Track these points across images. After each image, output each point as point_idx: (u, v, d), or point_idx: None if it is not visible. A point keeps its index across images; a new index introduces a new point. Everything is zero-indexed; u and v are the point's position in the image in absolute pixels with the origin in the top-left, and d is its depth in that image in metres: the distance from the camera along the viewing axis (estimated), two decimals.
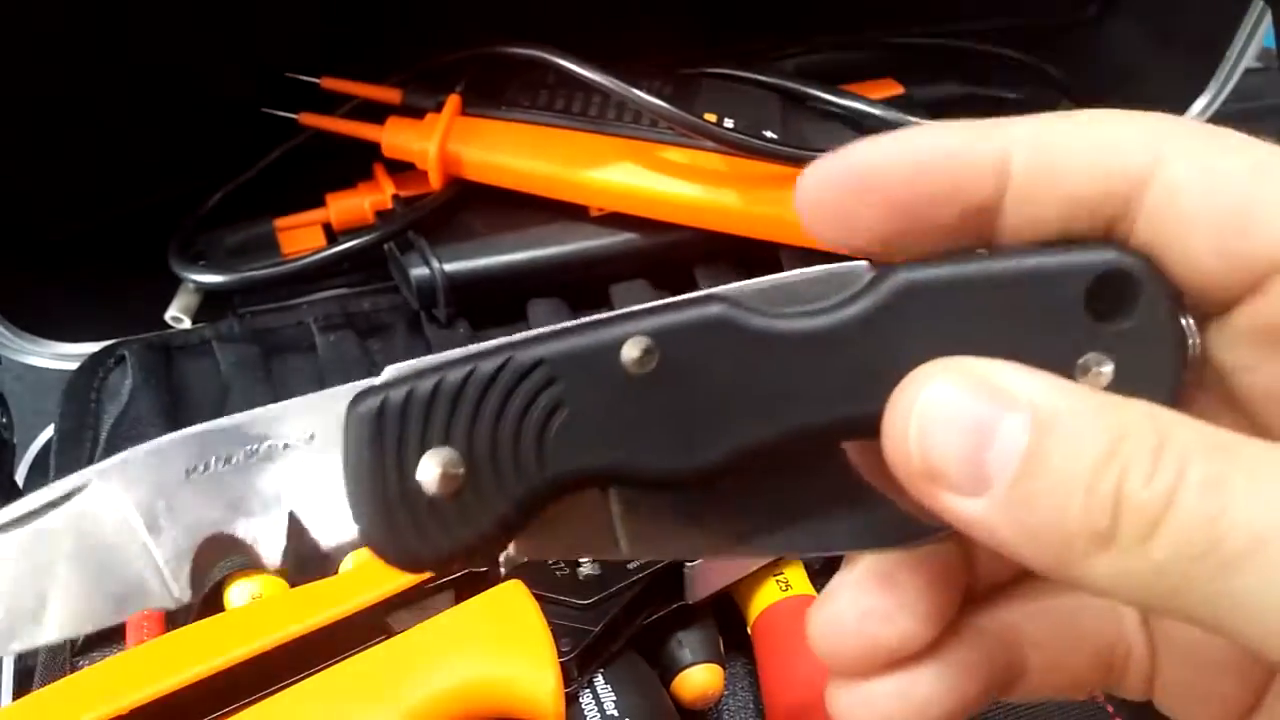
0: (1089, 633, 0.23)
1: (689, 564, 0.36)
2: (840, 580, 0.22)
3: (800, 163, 0.50)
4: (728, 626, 0.39)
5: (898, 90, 0.59)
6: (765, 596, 0.39)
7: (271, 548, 0.21)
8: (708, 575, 0.37)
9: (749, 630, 0.39)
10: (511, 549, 0.21)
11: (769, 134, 0.50)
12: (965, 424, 0.18)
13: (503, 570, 0.21)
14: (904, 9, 0.63)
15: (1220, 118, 0.66)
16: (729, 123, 0.50)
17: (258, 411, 0.21)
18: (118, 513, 0.21)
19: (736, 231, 0.51)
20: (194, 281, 0.52)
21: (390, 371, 0.20)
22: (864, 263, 0.20)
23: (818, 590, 0.40)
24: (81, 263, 0.52)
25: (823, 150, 0.50)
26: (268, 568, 0.22)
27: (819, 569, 0.42)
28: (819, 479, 0.22)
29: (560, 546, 0.22)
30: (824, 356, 0.20)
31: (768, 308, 0.20)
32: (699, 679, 0.37)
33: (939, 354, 0.19)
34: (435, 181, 0.52)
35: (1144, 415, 0.18)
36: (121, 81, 0.51)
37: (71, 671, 0.37)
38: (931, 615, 0.22)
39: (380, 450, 0.20)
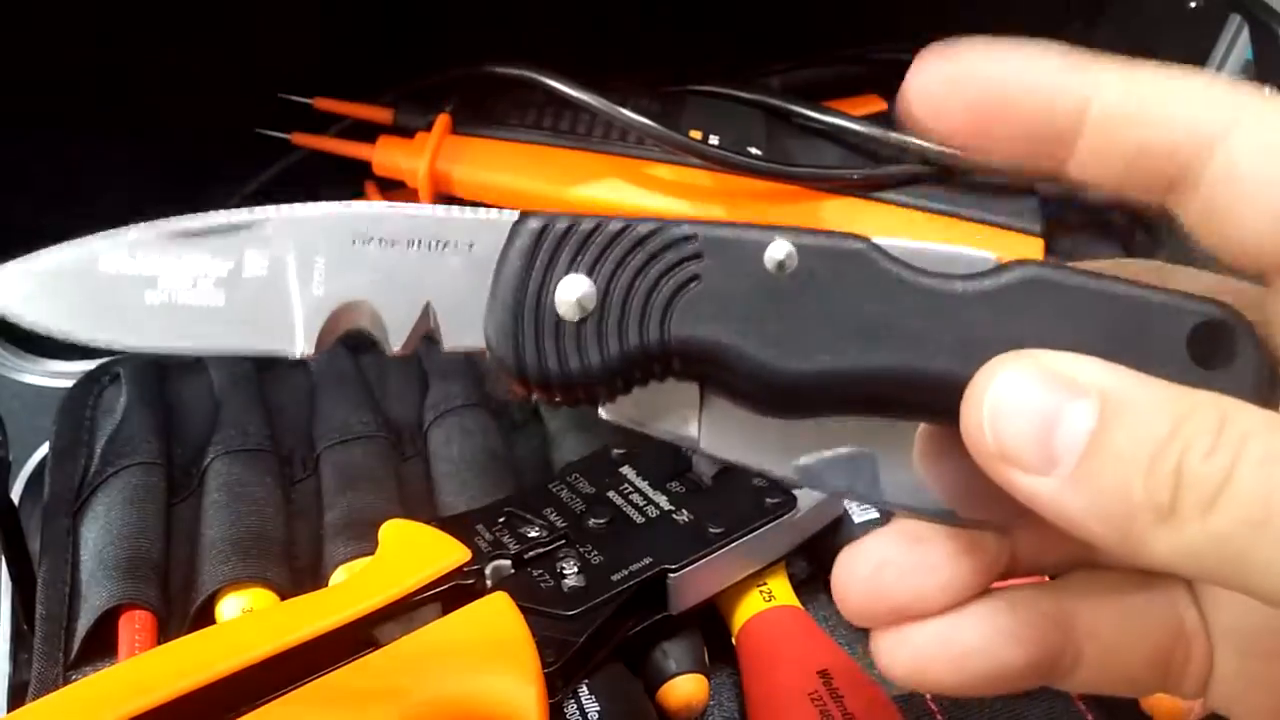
0: (1148, 629, 0.24)
1: (673, 574, 0.37)
2: (874, 532, 0.24)
3: (784, 179, 0.50)
4: (712, 637, 0.40)
5: (881, 106, 0.59)
6: (749, 607, 0.39)
7: (398, 331, 0.23)
8: (692, 586, 0.38)
9: (733, 640, 0.40)
10: (604, 409, 0.23)
11: (754, 150, 0.51)
12: (1035, 408, 0.19)
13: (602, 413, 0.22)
14: (886, 25, 0.64)
15: None
16: (714, 140, 0.51)
17: (434, 210, 0.23)
18: (279, 253, 0.23)
19: None
20: None
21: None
22: (993, 255, 0.22)
23: (802, 601, 0.40)
24: None
25: (807, 166, 0.50)
26: (390, 348, 0.23)
27: (804, 579, 0.42)
28: (887, 442, 0.23)
29: (648, 418, 0.23)
30: (938, 315, 0.21)
31: (902, 260, 0.22)
32: (683, 689, 0.37)
33: (1041, 346, 0.20)
34: (425, 199, 0.53)
35: (1207, 399, 0.19)
36: (116, 100, 0.51)
37: (65, 685, 0.38)
38: (949, 584, 0.23)
39: (531, 263, 0.22)
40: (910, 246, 0.22)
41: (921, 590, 0.23)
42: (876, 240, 0.22)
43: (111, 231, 0.24)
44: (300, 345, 0.23)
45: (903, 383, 0.22)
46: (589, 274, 0.22)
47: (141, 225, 0.24)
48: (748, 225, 0.22)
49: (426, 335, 0.23)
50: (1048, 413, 0.19)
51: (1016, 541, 0.24)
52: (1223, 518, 0.18)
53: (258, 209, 0.24)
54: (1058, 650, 0.23)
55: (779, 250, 0.22)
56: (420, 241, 0.23)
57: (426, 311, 0.23)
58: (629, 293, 0.22)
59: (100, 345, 0.23)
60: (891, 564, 0.23)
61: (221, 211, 0.23)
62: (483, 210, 0.23)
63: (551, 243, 0.22)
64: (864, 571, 0.23)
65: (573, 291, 0.22)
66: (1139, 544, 0.18)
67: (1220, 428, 0.18)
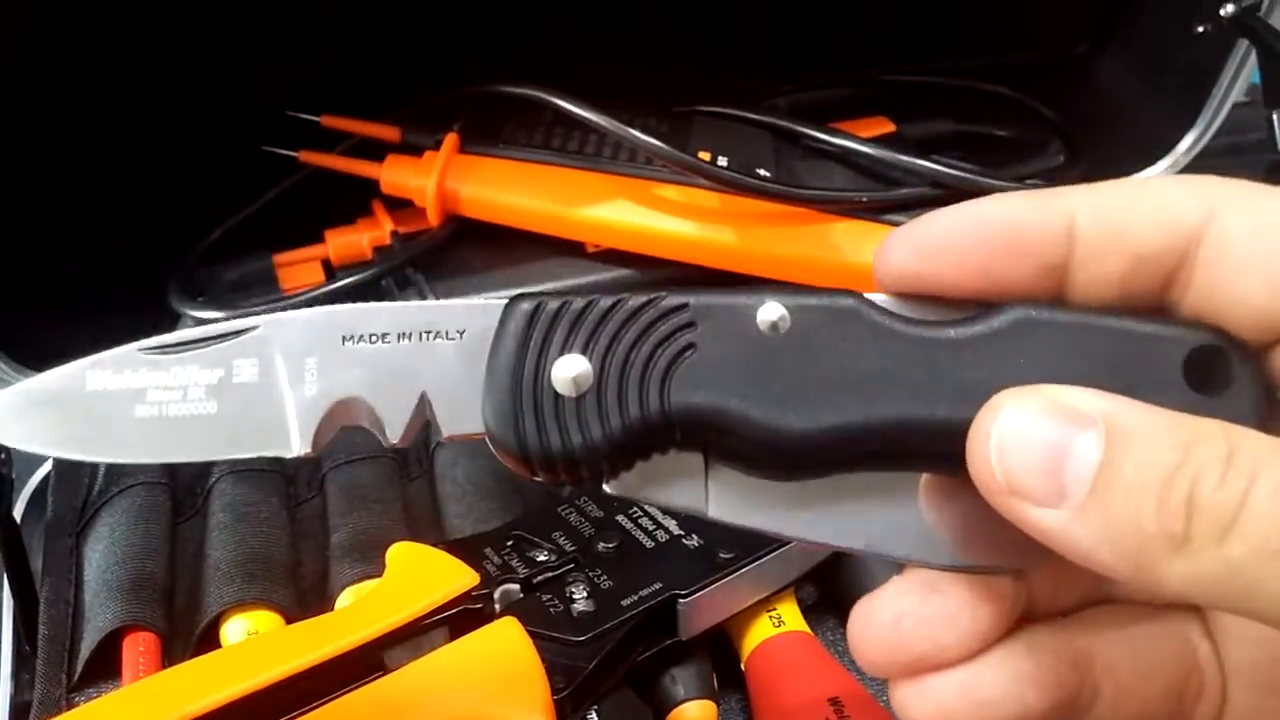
0: (1162, 662, 0.24)
1: (683, 600, 0.36)
2: (890, 582, 0.24)
3: (792, 201, 0.50)
4: (721, 662, 0.39)
5: (889, 128, 0.59)
6: (758, 632, 0.39)
7: (396, 423, 0.24)
8: (701, 611, 0.37)
9: (742, 666, 0.39)
10: (609, 485, 0.23)
11: (762, 172, 0.51)
12: (1041, 441, 0.19)
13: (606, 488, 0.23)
14: (895, 47, 0.64)
15: (1208, 152, 0.67)
16: (722, 161, 0.51)
17: (422, 302, 0.24)
18: (269, 357, 0.24)
19: (730, 268, 0.52)
20: (193, 317, 0.52)
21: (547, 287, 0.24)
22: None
23: (811, 627, 0.40)
24: (81, 297, 0.53)
25: (815, 188, 0.50)
26: (387, 440, 0.24)
27: (811, 604, 0.42)
28: (894, 494, 0.23)
29: (654, 491, 0.24)
30: (935, 363, 0.22)
31: (893, 311, 0.23)
32: (692, 715, 0.37)
33: (1037, 383, 0.21)
34: (433, 218, 0.52)
35: (1214, 427, 0.19)
36: (124, 118, 0.51)
37: (68, 708, 0.37)
38: (968, 632, 0.23)
39: (525, 345, 0.23)
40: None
41: (941, 640, 0.23)
42: (867, 295, 0.23)
43: (99, 354, 0.25)
44: (296, 446, 0.24)
45: (905, 432, 0.22)
46: (584, 352, 0.22)
47: (129, 345, 0.25)
48: (738, 290, 0.23)
49: (424, 425, 0.24)
50: (1054, 445, 0.19)
51: (1032, 584, 0.24)
52: (1237, 546, 0.18)
53: (244, 319, 0.24)
54: (1076, 689, 0.23)
55: (771, 312, 0.22)
56: (410, 334, 0.24)
57: (422, 402, 0.24)
58: (625, 367, 0.22)
59: (94, 461, 0.24)
60: (909, 615, 0.23)
61: (207, 325, 0.24)
62: (471, 299, 0.24)
63: (544, 323, 0.23)
64: (882, 623, 0.23)
65: (569, 370, 0.22)
66: (1152, 574, 0.18)
67: (1229, 456, 0.18)
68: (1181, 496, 0.18)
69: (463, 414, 0.23)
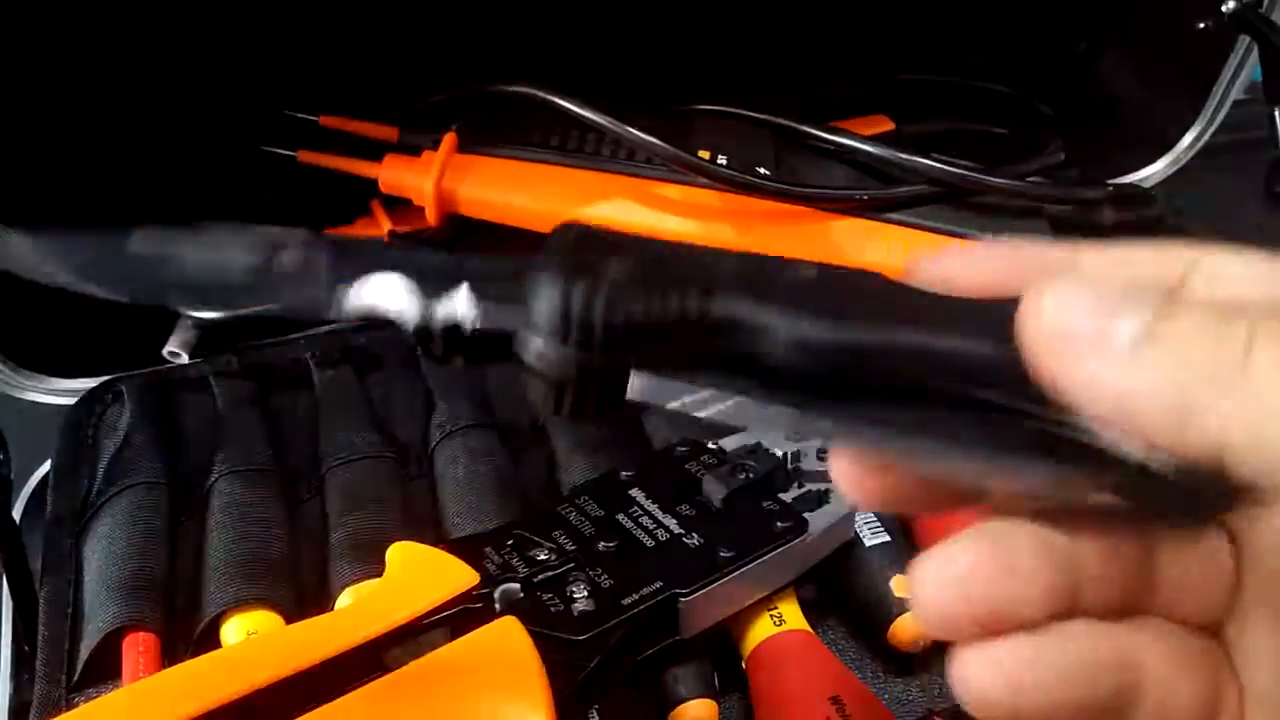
0: (1198, 680, 0.23)
1: (683, 599, 0.36)
2: (960, 535, 0.23)
3: (793, 199, 0.50)
4: (722, 661, 0.39)
5: (889, 126, 0.59)
6: (759, 631, 0.39)
7: None
8: (703, 610, 0.37)
9: (743, 665, 0.39)
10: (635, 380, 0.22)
11: (762, 170, 0.51)
12: (1094, 303, 0.19)
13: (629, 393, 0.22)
14: (894, 46, 0.64)
15: (1209, 150, 0.67)
16: (722, 159, 0.50)
17: None
18: None
19: None
20: (191, 317, 0.52)
21: None
22: None
23: (812, 625, 0.40)
24: (79, 299, 0.53)
25: (815, 187, 0.50)
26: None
27: (812, 603, 0.42)
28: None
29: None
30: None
31: None
32: (693, 714, 0.37)
33: None
34: (431, 218, 0.52)
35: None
36: (121, 118, 0.51)
37: (68, 708, 0.37)
38: (1045, 590, 0.22)
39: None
40: None
41: (1016, 595, 0.22)
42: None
43: None
44: None
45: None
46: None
47: None
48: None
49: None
50: (1107, 304, 0.19)
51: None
52: None
53: None
54: (1129, 688, 0.23)
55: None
56: None
57: None
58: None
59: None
60: (984, 565, 0.22)
61: None
62: None
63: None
64: (955, 573, 0.22)
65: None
66: (1200, 417, 0.18)
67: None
68: (1243, 336, 0.18)
69: None
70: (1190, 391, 0.18)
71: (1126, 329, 0.19)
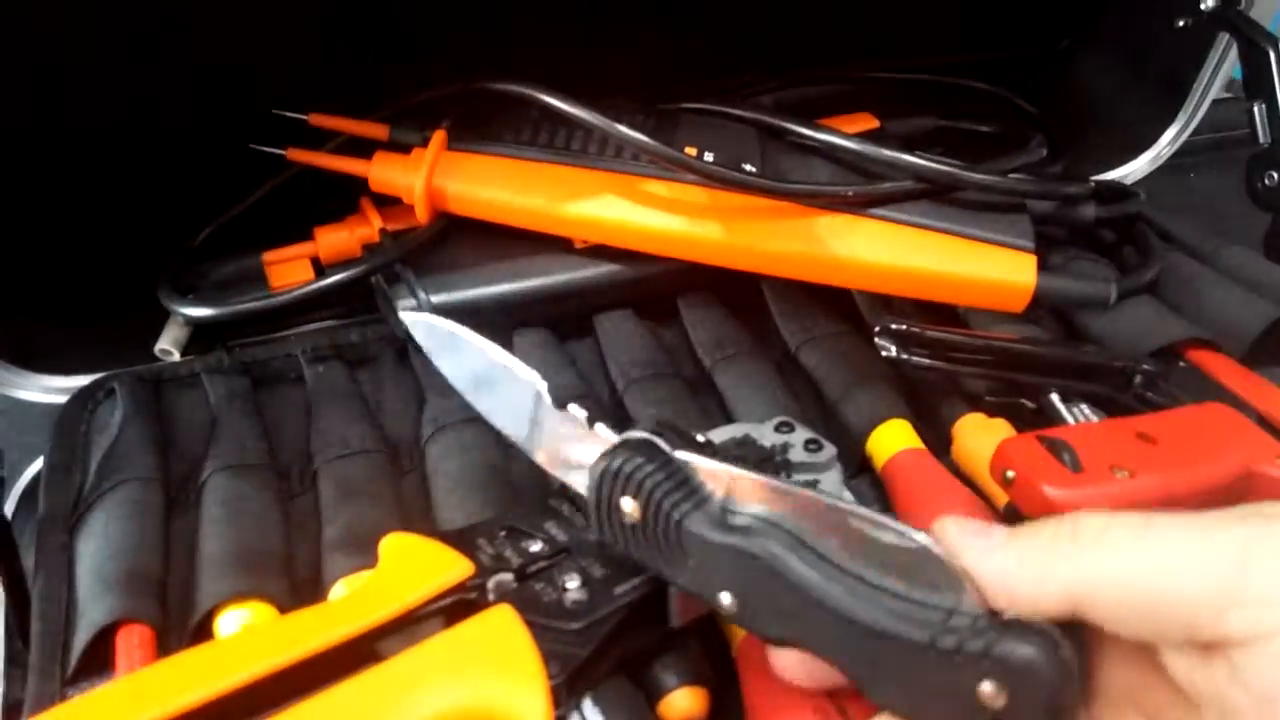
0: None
1: (674, 586, 0.37)
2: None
3: (778, 195, 0.51)
4: (713, 649, 0.40)
5: (873, 124, 0.60)
6: None
7: None
8: (692, 599, 0.37)
9: (734, 654, 0.39)
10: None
11: (748, 167, 0.51)
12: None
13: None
14: (878, 44, 0.65)
15: (1189, 148, 0.68)
16: (709, 156, 0.51)
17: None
18: None
19: (717, 263, 0.52)
20: (183, 315, 0.52)
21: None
22: (926, 541, 0.29)
23: None
24: (71, 296, 0.53)
25: (801, 183, 0.50)
26: None
27: None
28: None
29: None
30: None
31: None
32: (683, 702, 0.37)
33: None
34: (422, 215, 0.53)
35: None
36: (111, 116, 0.51)
37: (63, 701, 0.37)
38: None
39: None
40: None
41: None
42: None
43: None
44: None
45: None
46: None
47: None
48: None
49: None
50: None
51: None
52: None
53: None
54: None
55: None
56: None
57: None
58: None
59: None
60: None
61: None
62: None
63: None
64: None
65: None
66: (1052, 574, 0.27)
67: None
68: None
69: None
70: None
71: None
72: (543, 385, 0.39)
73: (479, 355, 0.42)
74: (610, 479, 0.33)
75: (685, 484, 0.33)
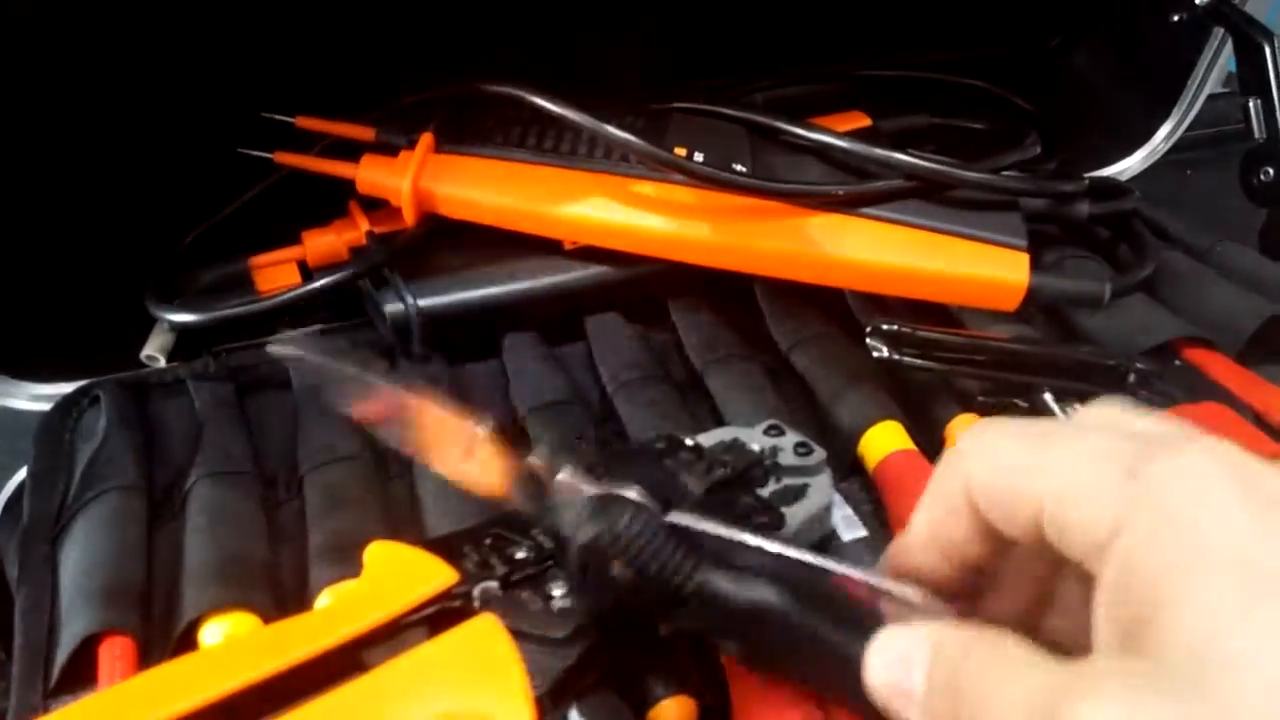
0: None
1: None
2: None
3: (769, 195, 0.50)
4: (702, 659, 0.39)
5: (865, 122, 0.59)
6: None
7: None
8: None
9: (722, 662, 0.39)
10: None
11: (739, 167, 0.51)
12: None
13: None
14: (870, 42, 0.64)
15: (1184, 144, 0.67)
16: (699, 156, 0.50)
17: None
18: None
19: (708, 264, 0.52)
20: (169, 320, 0.52)
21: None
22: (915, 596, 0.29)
23: None
24: (56, 303, 0.53)
25: (792, 183, 0.50)
26: None
27: None
28: None
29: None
30: None
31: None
32: (671, 713, 0.37)
33: None
34: (409, 218, 0.52)
35: None
36: (96, 121, 0.51)
37: (45, 713, 0.37)
38: None
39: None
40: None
41: None
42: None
43: None
44: None
45: None
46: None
47: None
48: None
49: None
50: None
51: None
52: None
53: None
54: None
55: None
56: None
57: None
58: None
59: None
60: None
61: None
62: None
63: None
64: None
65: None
66: None
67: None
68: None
69: None
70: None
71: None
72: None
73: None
74: (602, 546, 0.33)
75: (680, 547, 0.32)
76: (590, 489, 0.35)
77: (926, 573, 0.29)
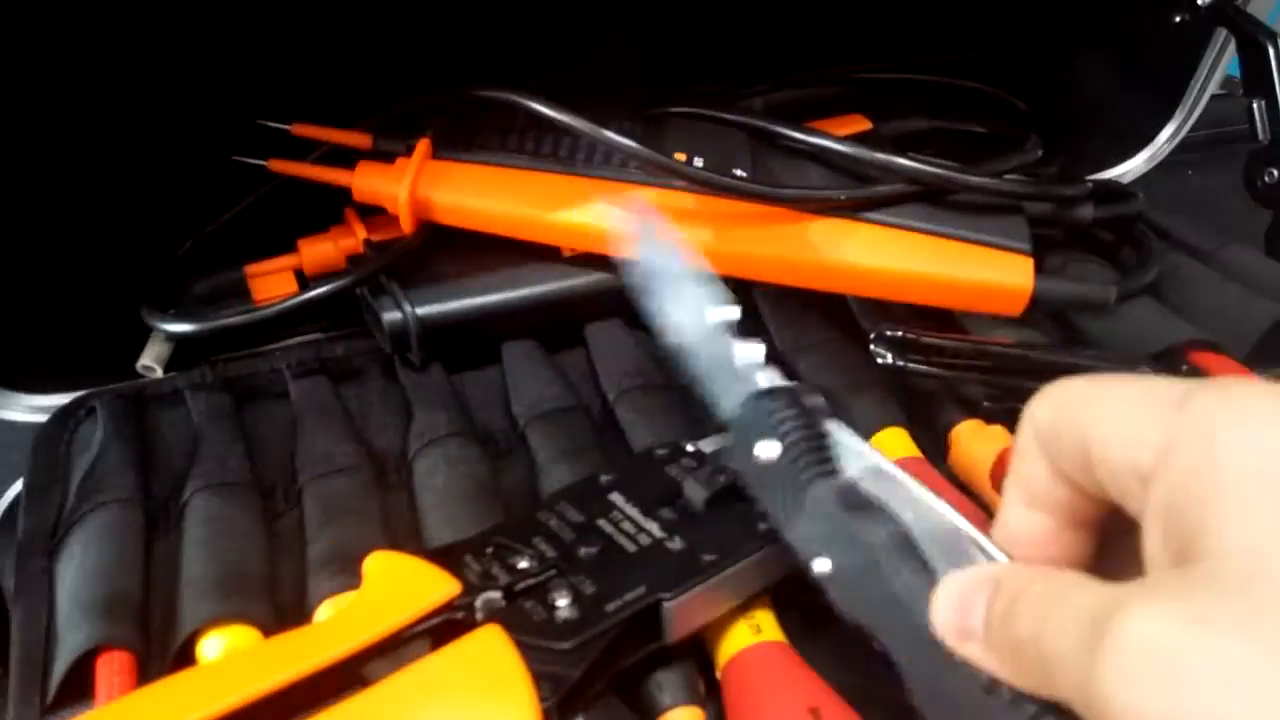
0: None
1: (667, 603, 0.36)
2: None
3: (770, 200, 0.50)
4: (707, 668, 0.39)
5: (866, 126, 0.59)
6: (736, 640, 0.38)
7: None
8: (687, 614, 0.37)
9: (717, 675, 0.38)
10: None
11: (738, 172, 0.51)
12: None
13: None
14: (870, 45, 0.64)
15: (1187, 145, 0.67)
16: (698, 162, 0.50)
17: None
18: None
19: (708, 269, 0.51)
20: (165, 330, 0.51)
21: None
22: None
23: (788, 635, 0.39)
24: (50, 314, 0.52)
25: (793, 187, 0.50)
26: None
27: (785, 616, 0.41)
28: None
29: None
30: None
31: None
32: None
33: None
34: (406, 226, 0.52)
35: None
36: (90, 130, 0.51)
37: None
38: None
39: None
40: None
41: None
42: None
43: None
44: None
45: None
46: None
47: None
48: None
49: None
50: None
51: None
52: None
53: None
54: None
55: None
56: None
57: None
58: None
59: None
60: None
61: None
62: None
63: None
64: None
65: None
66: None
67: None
68: None
69: None
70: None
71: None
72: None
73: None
74: (763, 415, 0.35)
75: (824, 450, 0.34)
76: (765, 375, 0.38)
77: (1025, 537, 0.30)
